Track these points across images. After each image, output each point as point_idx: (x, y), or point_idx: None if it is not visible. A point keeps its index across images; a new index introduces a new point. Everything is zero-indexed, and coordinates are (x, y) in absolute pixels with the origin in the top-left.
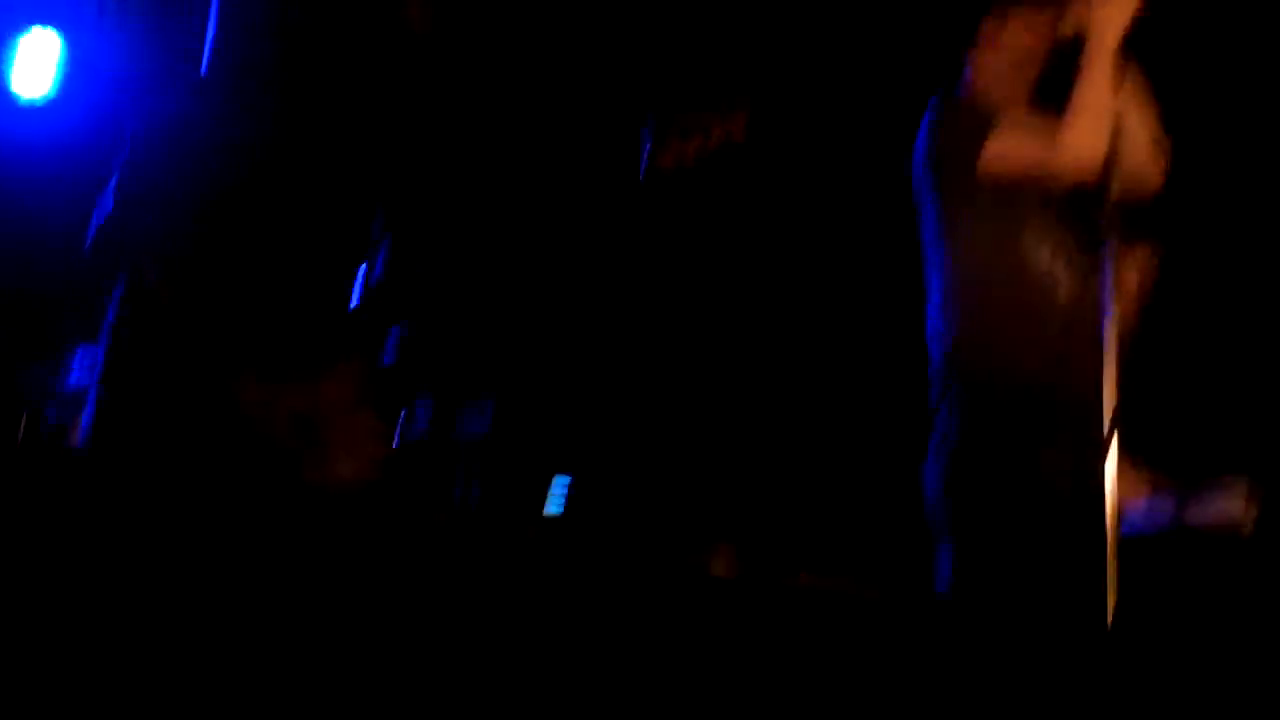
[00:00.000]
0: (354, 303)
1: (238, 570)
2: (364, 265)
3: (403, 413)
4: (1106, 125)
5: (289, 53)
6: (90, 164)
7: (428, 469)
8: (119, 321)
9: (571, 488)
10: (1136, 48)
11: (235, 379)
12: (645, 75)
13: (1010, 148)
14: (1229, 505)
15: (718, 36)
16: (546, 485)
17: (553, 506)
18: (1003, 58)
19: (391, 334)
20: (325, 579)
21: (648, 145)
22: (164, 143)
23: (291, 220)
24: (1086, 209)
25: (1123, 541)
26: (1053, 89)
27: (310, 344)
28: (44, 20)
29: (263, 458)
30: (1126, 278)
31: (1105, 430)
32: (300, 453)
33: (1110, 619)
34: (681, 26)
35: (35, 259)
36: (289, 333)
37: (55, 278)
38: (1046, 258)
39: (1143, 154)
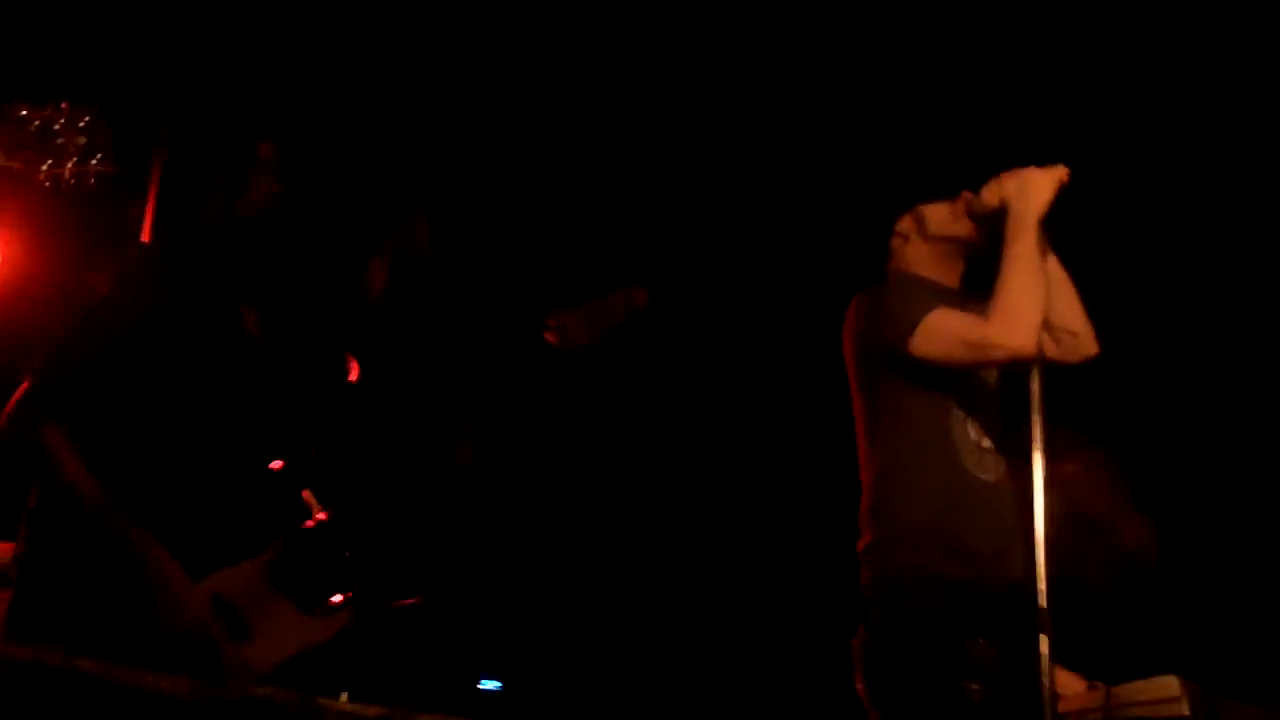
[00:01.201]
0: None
1: None
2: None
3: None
4: (1038, 297)
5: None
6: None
7: (351, 648)
8: (39, 500)
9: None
10: (1052, 226)
11: (157, 557)
12: None
13: (942, 325)
14: (1165, 686)
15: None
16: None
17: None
18: (928, 243)
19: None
20: None
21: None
22: (98, 322)
23: (229, 406)
24: (1014, 390)
25: None
26: (980, 269)
27: (237, 526)
28: None
29: (181, 637)
30: (1063, 467)
31: (1039, 617)
32: (220, 634)
33: None
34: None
35: None
36: (216, 516)
37: None
38: (974, 438)
39: (1074, 320)
